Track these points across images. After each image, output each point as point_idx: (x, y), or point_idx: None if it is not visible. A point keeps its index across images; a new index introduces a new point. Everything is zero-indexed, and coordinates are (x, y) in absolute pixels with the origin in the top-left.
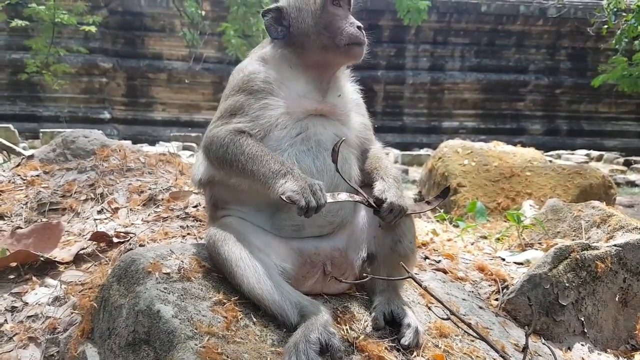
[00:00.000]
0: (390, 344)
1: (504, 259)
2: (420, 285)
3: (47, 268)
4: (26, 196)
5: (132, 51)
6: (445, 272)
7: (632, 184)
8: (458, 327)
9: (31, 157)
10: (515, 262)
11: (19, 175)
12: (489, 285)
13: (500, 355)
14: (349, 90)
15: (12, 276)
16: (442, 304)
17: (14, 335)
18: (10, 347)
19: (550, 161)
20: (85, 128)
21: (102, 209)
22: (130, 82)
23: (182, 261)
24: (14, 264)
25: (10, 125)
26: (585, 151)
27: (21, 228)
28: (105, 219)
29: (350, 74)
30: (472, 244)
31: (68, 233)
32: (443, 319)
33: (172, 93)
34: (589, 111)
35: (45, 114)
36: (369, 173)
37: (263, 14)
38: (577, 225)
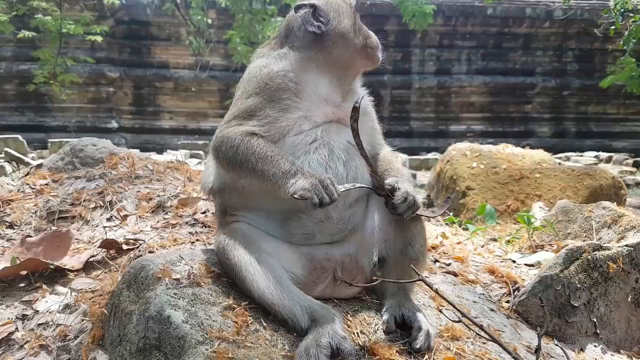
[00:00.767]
0: (402, 347)
1: (514, 261)
2: (432, 288)
3: (57, 276)
4: (35, 205)
5: (138, 60)
6: (455, 274)
7: None
8: (470, 329)
9: (40, 166)
10: (526, 264)
11: (28, 184)
12: (500, 288)
13: (513, 357)
14: (362, 95)
15: (22, 284)
16: (454, 306)
17: (25, 343)
18: (21, 355)
19: (559, 163)
20: (93, 137)
21: (111, 217)
22: (137, 91)
23: (191, 267)
24: (24, 273)
25: (19, 136)
26: (594, 153)
27: (31, 236)
28: (115, 226)
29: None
30: (482, 247)
31: (78, 241)
32: (454, 321)
33: (179, 101)
34: (597, 113)
35: (53, 124)
36: (381, 175)
37: (296, 8)
38: (587, 226)
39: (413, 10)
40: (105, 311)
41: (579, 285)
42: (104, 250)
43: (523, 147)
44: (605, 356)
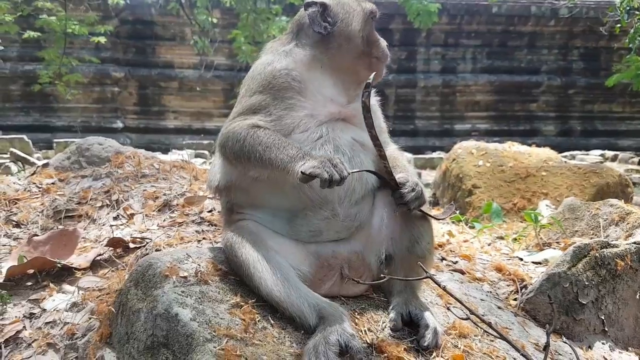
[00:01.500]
0: (409, 345)
1: (521, 259)
2: (439, 285)
3: (65, 274)
4: (42, 204)
5: (143, 60)
6: (462, 272)
7: None
8: (477, 327)
9: (46, 165)
10: (533, 262)
11: (35, 183)
12: (507, 285)
13: (522, 354)
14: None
15: (29, 283)
16: (462, 303)
17: (33, 342)
18: (29, 354)
19: (565, 162)
20: (99, 137)
21: (117, 215)
22: (142, 91)
23: (198, 265)
24: (31, 271)
25: (24, 136)
26: (599, 151)
27: (38, 235)
28: (121, 225)
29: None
30: (488, 245)
31: (84, 239)
32: (462, 319)
33: (184, 101)
34: (602, 111)
35: (58, 124)
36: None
37: (305, 6)
38: (595, 224)
39: (418, 8)
40: (113, 309)
41: (586, 283)
42: (110, 248)
43: (529, 145)
44: (614, 353)
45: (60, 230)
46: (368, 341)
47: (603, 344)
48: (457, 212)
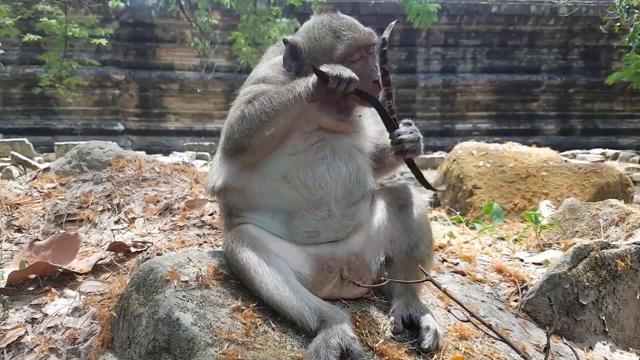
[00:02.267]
0: (410, 347)
1: (522, 260)
2: (439, 288)
3: (66, 279)
4: (43, 208)
5: (143, 62)
6: (463, 274)
7: None
8: (478, 329)
9: (47, 169)
10: (533, 263)
11: (36, 187)
12: (508, 287)
13: (522, 356)
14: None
15: (31, 288)
16: (462, 305)
17: (35, 347)
18: (31, 359)
19: (566, 161)
20: (100, 140)
21: (118, 219)
22: (143, 93)
23: (199, 269)
24: (32, 276)
25: (25, 139)
26: (600, 150)
27: (39, 240)
28: (122, 229)
29: None
30: (489, 246)
31: (86, 244)
32: (463, 321)
33: (185, 103)
34: (603, 110)
35: (59, 127)
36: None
37: (283, 41)
38: (595, 224)
39: (417, 8)
40: (114, 314)
41: (587, 284)
42: (112, 253)
43: (529, 145)
44: (614, 354)
45: (61, 234)
46: (369, 344)
47: (604, 344)
48: (458, 213)
